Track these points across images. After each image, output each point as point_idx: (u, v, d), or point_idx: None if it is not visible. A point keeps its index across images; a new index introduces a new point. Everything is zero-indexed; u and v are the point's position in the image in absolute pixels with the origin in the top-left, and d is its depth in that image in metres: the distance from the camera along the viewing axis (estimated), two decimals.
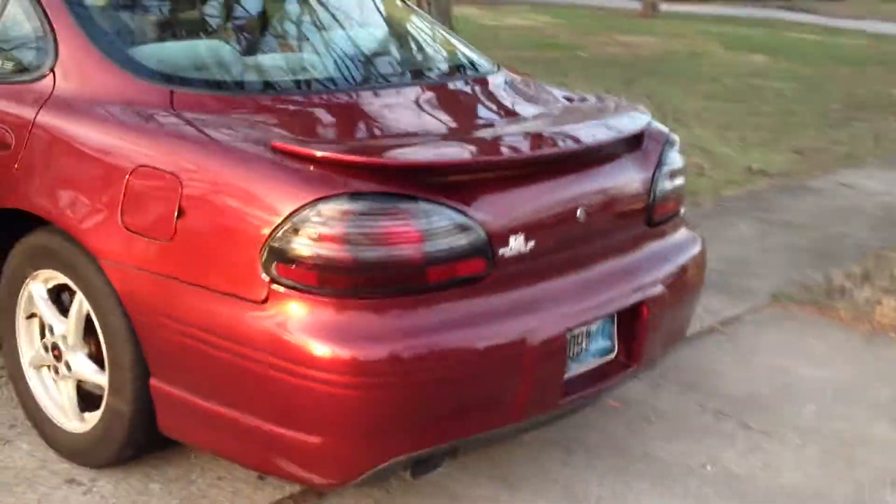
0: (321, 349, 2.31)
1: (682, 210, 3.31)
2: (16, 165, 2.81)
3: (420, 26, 3.73)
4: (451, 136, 2.89)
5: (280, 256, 2.32)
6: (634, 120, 3.08)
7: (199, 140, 2.54)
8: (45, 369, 2.92)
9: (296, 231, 2.30)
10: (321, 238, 2.30)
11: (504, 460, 3.09)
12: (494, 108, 3.31)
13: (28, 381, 2.95)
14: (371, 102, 2.99)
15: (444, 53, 3.62)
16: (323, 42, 3.31)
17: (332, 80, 3.07)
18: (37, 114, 2.80)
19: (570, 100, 3.40)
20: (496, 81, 3.40)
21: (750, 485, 3.10)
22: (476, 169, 2.56)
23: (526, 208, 2.63)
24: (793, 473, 3.18)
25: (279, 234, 2.32)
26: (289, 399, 2.37)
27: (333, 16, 3.50)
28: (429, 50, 3.61)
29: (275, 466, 2.48)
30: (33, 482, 2.79)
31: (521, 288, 2.59)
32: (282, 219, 2.32)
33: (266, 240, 2.33)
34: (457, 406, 2.47)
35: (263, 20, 3.40)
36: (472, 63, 3.52)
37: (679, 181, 3.21)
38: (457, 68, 3.50)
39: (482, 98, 3.30)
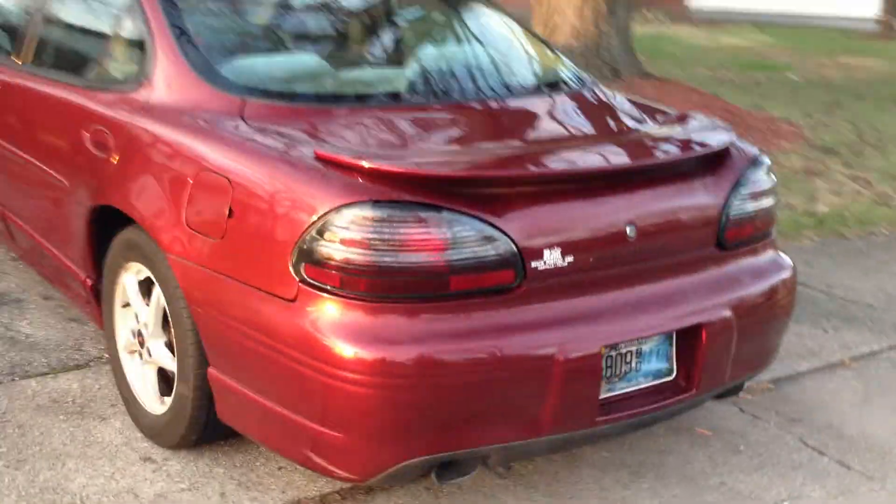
0: (342, 348, 2.40)
1: (771, 232, 3.17)
2: (111, 166, 3.08)
3: (511, 41, 3.77)
4: (493, 149, 2.92)
5: (308, 258, 2.44)
6: (707, 140, 3.00)
7: (250, 146, 2.71)
8: (135, 354, 3.17)
9: (321, 234, 2.41)
10: (343, 242, 2.39)
11: (563, 477, 3.07)
12: (556, 124, 3.30)
13: (121, 363, 3.21)
14: (429, 117, 3.08)
15: (527, 68, 3.65)
16: (396, 57, 3.42)
17: (397, 94, 3.20)
18: (130, 119, 3.06)
19: (653, 117, 3.34)
20: (574, 97, 3.40)
21: None
22: (504, 182, 2.58)
23: (565, 223, 2.62)
24: None
25: (307, 236, 2.43)
26: (315, 395, 2.47)
27: (411, 32, 3.61)
28: (509, 64, 3.60)
29: (305, 458, 2.59)
30: (114, 457, 3.02)
31: (555, 301, 2.58)
32: (310, 222, 2.43)
33: (297, 241, 2.45)
34: (477, 414, 2.49)
35: (338, 36, 3.55)
36: (556, 78, 3.53)
37: (765, 203, 3.08)
38: (535, 84, 3.53)
39: (548, 114, 3.29)
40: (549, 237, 2.56)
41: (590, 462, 3.17)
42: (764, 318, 3.02)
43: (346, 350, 2.39)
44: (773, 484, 3.13)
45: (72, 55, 3.76)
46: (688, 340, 2.79)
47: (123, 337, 3.20)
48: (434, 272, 2.43)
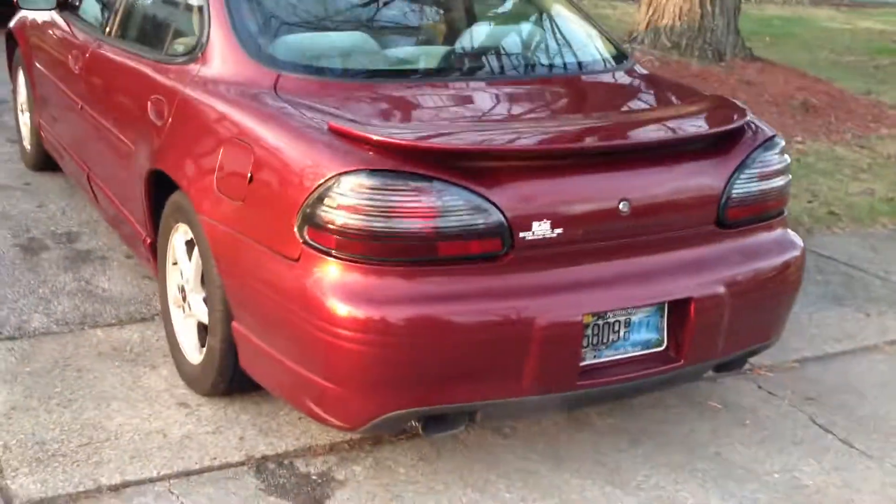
0: (337, 307, 2.63)
1: (783, 212, 3.26)
2: (164, 133, 3.40)
3: (547, 20, 3.95)
4: (495, 125, 3.11)
5: (309, 221, 2.68)
6: (713, 121, 3.11)
7: (272, 117, 2.97)
8: (180, 308, 3.48)
9: (321, 200, 2.65)
10: (340, 207, 2.63)
11: (564, 439, 3.25)
12: (566, 102, 3.46)
13: (170, 316, 3.53)
14: (446, 93, 3.29)
15: (556, 47, 3.80)
16: (424, 36, 3.65)
17: (420, 71, 3.44)
18: (181, 90, 3.37)
19: (674, 98, 3.46)
20: (599, 76, 3.56)
21: (814, 498, 3.05)
22: (495, 156, 2.78)
23: (556, 197, 2.79)
24: (869, 495, 3.08)
25: (310, 200, 2.68)
26: (312, 348, 2.72)
27: (439, 11, 3.80)
28: (538, 43, 3.79)
29: (307, 406, 2.84)
30: (153, 401, 3.35)
31: (541, 270, 2.76)
32: (313, 188, 2.67)
33: (301, 206, 2.70)
34: (461, 372, 2.69)
35: (374, 15, 3.79)
36: (583, 57, 3.70)
37: (774, 183, 3.17)
38: (560, 62, 3.70)
39: (562, 92, 3.46)
40: (539, 210, 2.73)
41: (594, 427, 3.34)
42: (763, 295, 3.12)
43: (341, 308, 2.63)
44: (769, 457, 3.24)
45: (145, 30, 4.11)
46: (678, 313, 2.93)
47: (172, 292, 3.52)
48: (424, 238, 2.64)
